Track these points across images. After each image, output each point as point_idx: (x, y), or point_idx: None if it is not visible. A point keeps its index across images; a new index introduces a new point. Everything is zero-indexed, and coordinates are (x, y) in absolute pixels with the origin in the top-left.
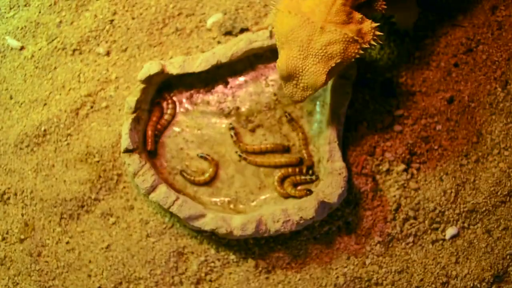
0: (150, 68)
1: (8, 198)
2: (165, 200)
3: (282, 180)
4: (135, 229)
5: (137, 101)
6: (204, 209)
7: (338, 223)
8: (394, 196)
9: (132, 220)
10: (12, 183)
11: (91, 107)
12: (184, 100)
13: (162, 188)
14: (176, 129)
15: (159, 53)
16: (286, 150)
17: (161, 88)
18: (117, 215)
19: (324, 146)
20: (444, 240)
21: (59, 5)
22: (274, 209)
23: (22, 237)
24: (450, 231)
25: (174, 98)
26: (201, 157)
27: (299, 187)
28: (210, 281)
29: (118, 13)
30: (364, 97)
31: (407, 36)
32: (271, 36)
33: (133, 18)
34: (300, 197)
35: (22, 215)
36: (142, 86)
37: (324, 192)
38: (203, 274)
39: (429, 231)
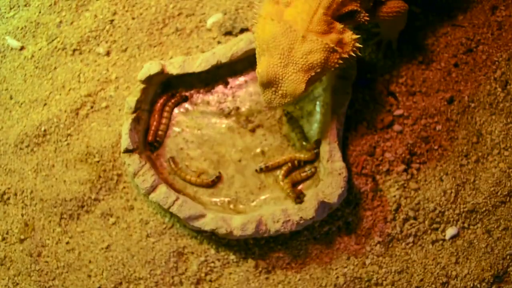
0: (150, 68)
1: (8, 198)
2: (165, 200)
3: (287, 175)
4: (135, 229)
5: (137, 101)
6: (204, 209)
7: (338, 223)
8: (394, 196)
9: (132, 220)
10: (12, 183)
11: (91, 107)
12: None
13: (162, 188)
14: (176, 129)
15: (159, 53)
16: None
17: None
18: (117, 215)
19: (324, 146)
20: (444, 240)
21: (59, 5)
22: (274, 209)
23: (22, 237)
24: (450, 231)
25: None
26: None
27: (299, 187)
28: (210, 281)
29: (118, 13)
30: (364, 97)
31: (389, 48)
32: None
33: (133, 18)
34: (293, 198)
35: (22, 215)
36: (142, 86)
37: (324, 192)
38: (203, 274)
39: (429, 231)
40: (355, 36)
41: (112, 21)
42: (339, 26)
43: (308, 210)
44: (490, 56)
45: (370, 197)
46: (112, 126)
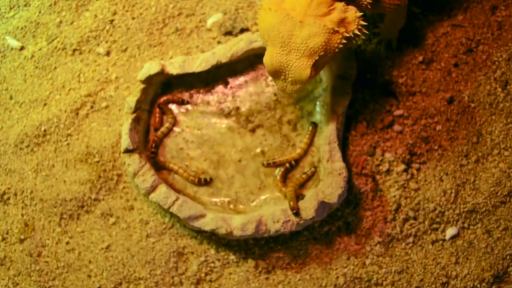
0: (150, 68)
1: (8, 198)
2: (165, 200)
3: (284, 176)
4: (135, 229)
5: (137, 101)
6: (204, 209)
7: (338, 223)
8: (394, 196)
9: (132, 220)
10: (12, 183)
11: (91, 107)
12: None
13: (162, 188)
14: (176, 129)
15: (159, 53)
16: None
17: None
18: (117, 215)
19: (324, 146)
20: (444, 240)
21: (59, 5)
22: (274, 209)
23: (22, 237)
24: (450, 231)
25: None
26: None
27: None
28: (210, 281)
29: (118, 13)
30: (364, 97)
31: (389, 47)
32: None
33: (133, 18)
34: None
35: (22, 215)
36: (142, 86)
37: (324, 192)
38: (203, 274)
39: (429, 231)
40: (359, 14)
41: (112, 21)
42: (340, 5)
43: (308, 210)
44: (490, 56)
45: (370, 197)
46: (112, 126)
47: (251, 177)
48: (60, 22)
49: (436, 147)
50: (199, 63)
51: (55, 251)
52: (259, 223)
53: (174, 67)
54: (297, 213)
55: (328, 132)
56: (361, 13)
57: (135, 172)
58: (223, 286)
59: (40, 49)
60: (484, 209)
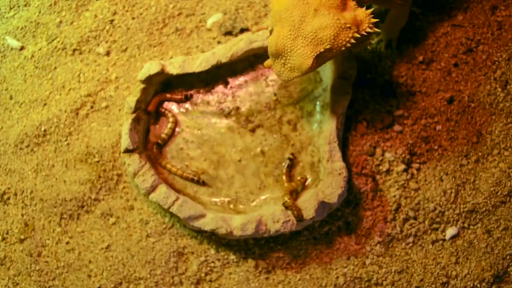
0: (150, 68)
1: (8, 198)
2: (165, 200)
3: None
4: (135, 229)
5: (137, 101)
6: (204, 209)
7: (338, 223)
8: (394, 196)
9: (132, 220)
10: (12, 183)
11: (91, 107)
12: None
13: (162, 188)
14: (176, 129)
15: (159, 53)
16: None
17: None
18: (117, 215)
19: (324, 146)
20: (444, 240)
21: (59, 5)
22: (274, 209)
23: (22, 237)
24: (450, 231)
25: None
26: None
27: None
28: (210, 281)
29: (118, 13)
30: (364, 97)
31: (390, 46)
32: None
33: (133, 18)
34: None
35: (22, 215)
36: (142, 86)
37: (324, 192)
38: (203, 274)
39: (429, 231)
40: (368, 11)
41: (112, 21)
42: (352, 3)
43: (308, 210)
44: (490, 56)
45: (370, 197)
46: (112, 126)
47: (251, 177)
48: (60, 22)
49: (436, 147)
50: (199, 63)
51: (55, 251)
52: (259, 223)
53: (174, 67)
54: (301, 219)
55: (328, 132)
56: (371, 10)
57: (135, 172)
58: (223, 286)
59: (40, 49)
60: (484, 209)
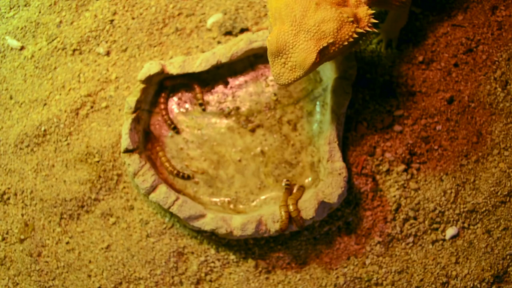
0: (150, 68)
1: (8, 198)
2: (165, 200)
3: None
4: (135, 229)
5: (137, 101)
6: (204, 209)
7: (338, 223)
8: (394, 196)
9: (132, 220)
10: (12, 183)
11: (91, 107)
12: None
13: (162, 188)
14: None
15: (159, 53)
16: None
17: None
18: (117, 215)
19: (324, 146)
20: (444, 240)
21: (59, 5)
22: (274, 209)
23: (22, 237)
24: (450, 231)
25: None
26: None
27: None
28: (210, 281)
29: (118, 13)
30: (364, 97)
31: (390, 46)
32: None
33: (133, 18)
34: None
35: (22, 215)
36: (142, 86)
37: (324, 192)
38: (203, 274)
39: (429, 231)
40: (370, 11)
41: (112, 21)
42: (353, 0)
43: (308, 210)
44: (490, 56)
45: (370, 197)
46: (112, 126)
47: (251, 177)
48: (60, 22)
49: (436, 147)
50: (199, 63)
51: (55, 251)
52: (259, 223)
53: (174, 67)
54: (302, 228)
55: (328, 132)
56: (373, 11)
57: (135, 172)
58: (223, 286)
59: (40, 49)
60: (484, 209)
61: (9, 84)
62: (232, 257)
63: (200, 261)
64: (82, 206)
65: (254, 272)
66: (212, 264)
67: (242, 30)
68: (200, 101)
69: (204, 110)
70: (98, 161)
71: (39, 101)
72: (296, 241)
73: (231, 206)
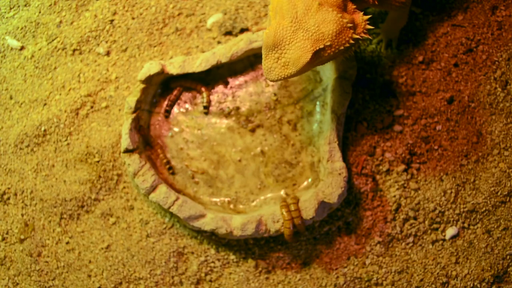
0: (150, 68)
1: (8, 198)
2: (165, 200)
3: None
4: (135, 229)
5: (137, 101)
6: (204, 209)
7: (338, 223)
8: (394, 196)
9: (132, 220)
10: (12, 183)
11: (91, 107)
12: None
13: (162, 188)
14: (176, 129)
15: (159, 53)
16: None
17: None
18: (117, 215)
19: (324, 146)
20: (444, 240)
21: (59, 5)
22: (274, 209)
23: (22, 237)
24: (450, 231)
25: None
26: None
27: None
28: (210, 281)
29: (118, 13)
30: (364, 97)
31: (390, 46)
32: None
33: (133, 18)
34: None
35: (22, 215)
36: (142, 86)
37: (324, 192)
38: (203, 274)
39: (429, 231)
40: (366, 17)
41: (112, 21)
42: (351, 5)
43: (308, 210)
44: (490, 56)
45: (370, 197)
46: (112, 126)
47: (251, 177)
48: (60, 22)
49: (436, 147)
50: (199, 63)
51: (55, 251)
52: (259, 223)
53: (174, 67)
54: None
55: (328, 132)
56: (369, 16)
57: (135, 172)
58: (223, 286)
59: (40, 49)
60: (484, 209)
61: (9, 84)
62: (232, 257)
63: (200, 261)
64: (82, 206)
65: (254, 272)
66: (212, 264)
67: (242, 30)
68: (205, 104)
69: (207, 113)
70: (98, 161)
71: (39, 101)
72: (296, 241)
73: (231, 206)
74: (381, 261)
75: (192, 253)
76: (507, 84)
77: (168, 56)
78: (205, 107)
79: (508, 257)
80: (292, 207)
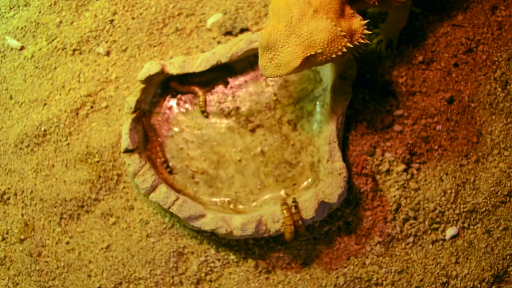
0: (150, 68)
1: (8, 198)
2: (165, 200)
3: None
4: (135, 229)
5: (137, 101)
6: (204, 209)
7: (338, 223)
8: (394, 196)
9: (132, 220)
10: (12, 183)
11: (91, 107)
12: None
13: (162, 188)
14: (176, 129)
15: (159, 53)
16: None
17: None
18: (117, 215)
19: (324, 146)
20: (444, 240)
21: (59, 5)
22: (274, 209)
23: (22, 237)
24: (450, 231)
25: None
26: None
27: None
28: (210, 281)
29: (118, 13)
30: (364, 97)
31: (390, 46)
32: None
33: (133, 18)
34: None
35: (22, 215)
36: (142, 86)
37: (324, 192)
38: (203, 274)
39: (429, 231)
40: (363, 22)
41: (112, 21)
42: (349, 10)
43: (308, 210)
44: (490, 56)
45: (370, 197)
46: (112, 126)
47: (251, 177)
48: (60, 22)
49: (436, 147)
50: (199, 63)
51: (55, 251)
52: (259, 223)
53: (174, 67)
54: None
55: (328, 132)
56: (367, 21)
57: (135, 172)
58: (223, 286)
59: (40, 49)
60: (484, 209)
61: (9, 84)
62: (232, 257)
63: (200, 261)
64: (82, 206)
65: (254, 272)
66: (212, 264)
67: (242, 30)
68: (203, 109)
69: (206, 117)
70: (98, 161)
71: (39, 101)
72: (296, 241)
73: (231, 206)
74: (381, 261)
75: (192, 253)
76: (507, 84)
77: (168, 56)
78: (202, 112)
79: (508, 257)
80: (293, 209)
